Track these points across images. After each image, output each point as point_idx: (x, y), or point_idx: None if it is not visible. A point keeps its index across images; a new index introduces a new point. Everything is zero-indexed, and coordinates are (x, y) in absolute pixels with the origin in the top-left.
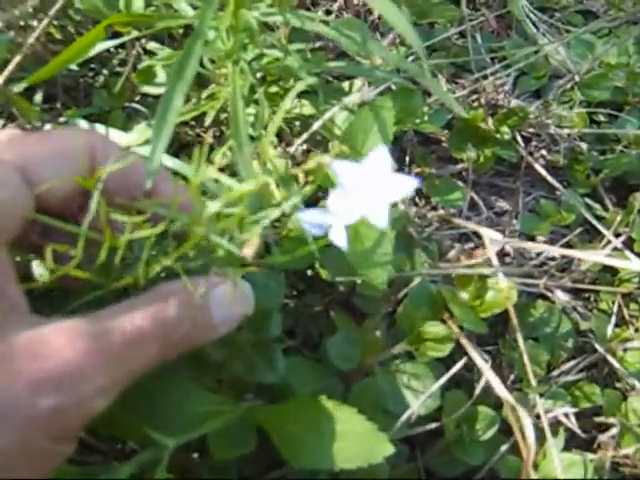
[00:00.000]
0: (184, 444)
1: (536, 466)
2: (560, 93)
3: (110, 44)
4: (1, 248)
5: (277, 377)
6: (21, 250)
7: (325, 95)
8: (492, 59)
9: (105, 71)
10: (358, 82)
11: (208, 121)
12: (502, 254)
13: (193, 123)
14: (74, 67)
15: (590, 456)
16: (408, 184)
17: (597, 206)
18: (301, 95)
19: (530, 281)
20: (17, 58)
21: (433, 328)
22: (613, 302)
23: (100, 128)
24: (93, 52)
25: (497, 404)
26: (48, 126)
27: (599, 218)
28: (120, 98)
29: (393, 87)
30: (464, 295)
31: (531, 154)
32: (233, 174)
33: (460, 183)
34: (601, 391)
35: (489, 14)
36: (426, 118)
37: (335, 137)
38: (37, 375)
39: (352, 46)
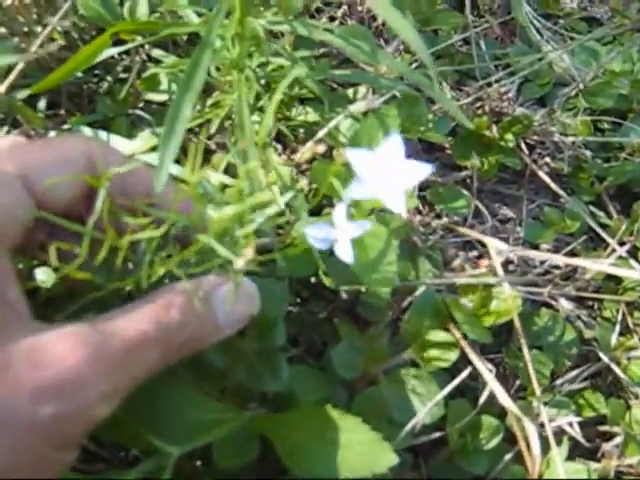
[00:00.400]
0: (188, 452)
1: (540, 475)
2: (564, 100)
3: (114, 51)
4: (3, 254)
5: (281, 386)
6: (23, 257)
7: (330, 103)
8: (496, 66)
9: (109, 78)
10: (362, 89)
11: (213, 129)
12: (506, 262)
13: (197, 130)
14: (78, 74)
15: (594, 465)
16: (422, 170)
17: (601, 214)
18: (306, 102)
19: (534, 289)
20: (20, 65)
21: (437, 337)
22: (617, 310)
23: (104, 135)
24: (98, 59)
25: (501, 413)
26: (52, 133)
27: (603, 226)
28: (124, 105)
29: (397, 94)
30: (468, 304)
31: (535, 162)
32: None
33: (464, 191)
34: (605, 400)
35: (493, 21)
36: (430, 125)
37: (340, 145)
38: (38, 384)
39: (358, 55)
